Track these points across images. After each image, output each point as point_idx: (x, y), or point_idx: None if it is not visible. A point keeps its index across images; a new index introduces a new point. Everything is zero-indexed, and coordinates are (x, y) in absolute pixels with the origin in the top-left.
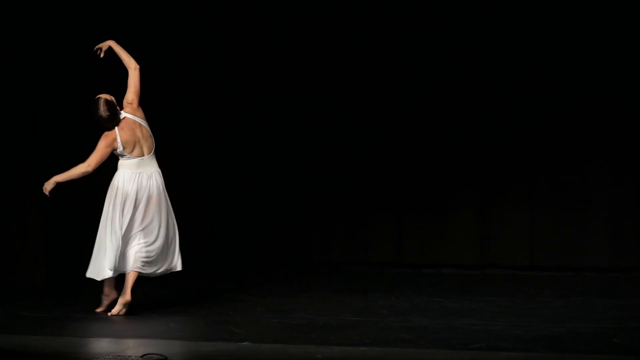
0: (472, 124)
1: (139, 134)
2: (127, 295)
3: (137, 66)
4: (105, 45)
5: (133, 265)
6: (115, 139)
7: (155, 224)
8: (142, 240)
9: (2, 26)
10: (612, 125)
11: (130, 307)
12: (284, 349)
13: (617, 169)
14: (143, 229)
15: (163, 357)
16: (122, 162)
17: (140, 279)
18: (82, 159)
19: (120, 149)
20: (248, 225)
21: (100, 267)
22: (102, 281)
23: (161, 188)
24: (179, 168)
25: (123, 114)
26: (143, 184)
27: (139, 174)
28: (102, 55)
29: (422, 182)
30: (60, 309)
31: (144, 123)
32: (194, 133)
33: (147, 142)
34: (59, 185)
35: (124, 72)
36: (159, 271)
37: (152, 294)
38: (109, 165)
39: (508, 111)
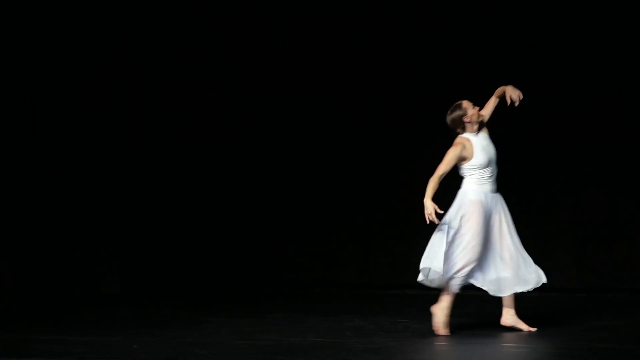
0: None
1: None
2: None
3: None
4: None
5: None
6: None
7: None
8: None
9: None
10: (583, 143)
11: None
12: None
13: (583, 187)
14: None
15: None
16: None
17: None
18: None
19: None
20: (214, 246)
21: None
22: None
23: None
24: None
25: None
26: None
27: None
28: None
29: (388, 204)
30: (26, 331)
31: None
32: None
33: None
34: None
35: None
36: None
37: (117, 314)
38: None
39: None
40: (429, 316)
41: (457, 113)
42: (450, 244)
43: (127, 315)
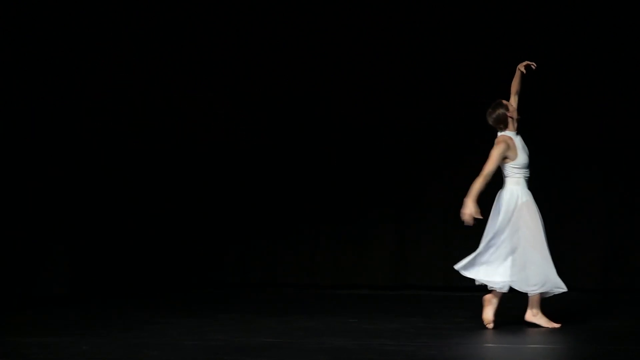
0: (388, 148)
1: None
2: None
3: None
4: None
5: None
6: None
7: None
8: None
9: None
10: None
11: None
12: None
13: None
14: None
15: None
16: None
17: None
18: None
19: None
20: (164, 247)
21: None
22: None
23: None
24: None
25: None
26: None
27: None
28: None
29: (339, 204)
30: None
31: None
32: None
33: None
34: None
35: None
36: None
37: (66, 315)
38: None
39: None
40: (377, 316)
41: (501, 110)
42: (527, 261)
43: (76, 316)
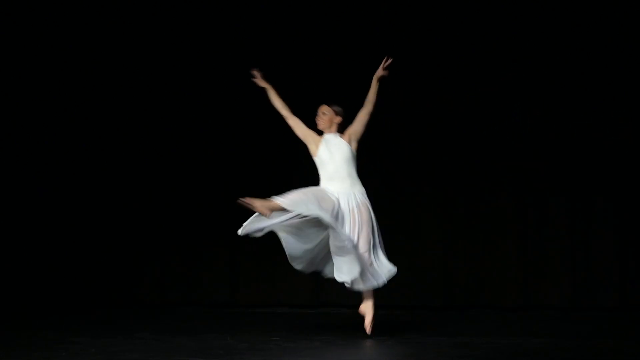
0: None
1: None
2: None
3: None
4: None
5: None
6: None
7: None
8: None
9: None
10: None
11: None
12: None
13: (445, 202)
14: None
15: None
16: None
17: None
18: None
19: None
20: (81, 265)
21: None
22: None
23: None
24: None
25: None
26: None
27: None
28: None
29: None
30: None
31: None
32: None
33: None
34: None
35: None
36: None
37: None
38: None
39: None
40: (299, 334)
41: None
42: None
43: None
